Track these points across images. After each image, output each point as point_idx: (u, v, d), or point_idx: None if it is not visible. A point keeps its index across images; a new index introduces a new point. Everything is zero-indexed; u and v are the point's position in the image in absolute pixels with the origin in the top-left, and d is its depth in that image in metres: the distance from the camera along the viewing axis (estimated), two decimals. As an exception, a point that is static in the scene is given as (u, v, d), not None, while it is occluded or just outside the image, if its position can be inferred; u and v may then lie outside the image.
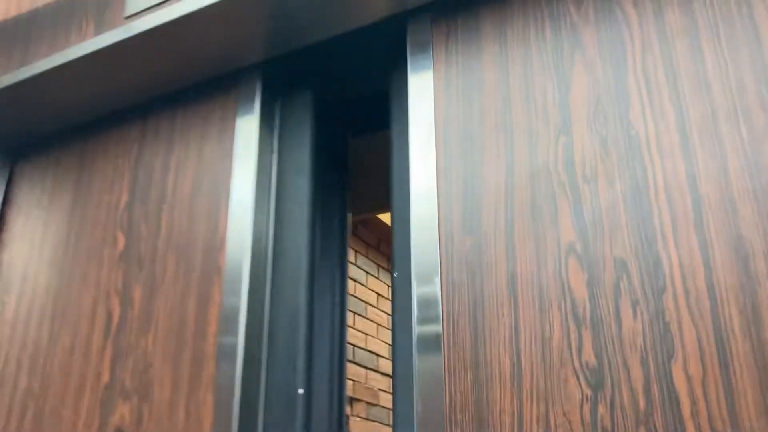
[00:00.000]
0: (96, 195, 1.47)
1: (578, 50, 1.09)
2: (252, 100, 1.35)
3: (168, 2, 1.33)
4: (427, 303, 1.04)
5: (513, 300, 0.99)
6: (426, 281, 1.05)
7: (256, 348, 1.19)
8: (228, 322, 1.18)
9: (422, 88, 1.19)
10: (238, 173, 1.29)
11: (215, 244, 1.26)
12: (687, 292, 0.89)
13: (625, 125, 1.00)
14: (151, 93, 1.47)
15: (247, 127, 1.33)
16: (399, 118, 1.28)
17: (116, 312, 1.31)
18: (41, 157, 1.61)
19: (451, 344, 1.01)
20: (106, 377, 1.26)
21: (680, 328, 0.88)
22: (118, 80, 1.42)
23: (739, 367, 0.83)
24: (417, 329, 1.04)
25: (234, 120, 1.36)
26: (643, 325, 0.90)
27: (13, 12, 1.61)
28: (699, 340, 0.86)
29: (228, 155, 1.33)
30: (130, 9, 1.39)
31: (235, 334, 1.16)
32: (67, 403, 1.28)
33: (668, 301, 0.89)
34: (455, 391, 0.98)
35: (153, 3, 1.35)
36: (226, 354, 1.15)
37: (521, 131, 1.08)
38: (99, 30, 1.43)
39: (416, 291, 1.06)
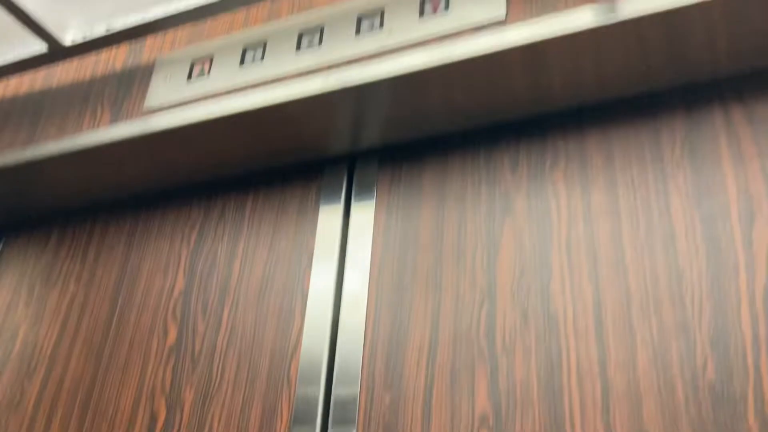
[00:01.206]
0: (146, 277, 1.38)
1: (509, 216, 1.12)
2: (338, 192, 1.28)
3: (196, 102, 1.29)
4: (342, 458, 1.05)
5: (425, 466, 1.00)
6: (344, 435, 1.06)
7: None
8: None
9: (362, 232, 1.22)
10: (318, 272, 1.21)
11: (286, 351, 1.17)
12: (589, 482, 0.91)
13: (545, 300, 1.03)
14: (215, 174, 1.40)
15: (331, 221, 1.26)
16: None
17: (162, 415, 1.21)
18: (81, 228, 1.53)
19: (362, 505, 1.01)
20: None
21: None
22: (178, 160, 1.36)
23: None
24: (330, 484, 1.04)
25: (316, 212, 1.28)
26: None
27: (25, 89, 1.61)
28: None
29: (307, 251, 1.25)
30: (152, 102, 1.34)
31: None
32: None
33: (571, 489, 0.91)
34: None
35: (175, 101, 1.31)
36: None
37: (449, 292, 1.11)
38: (115, 118, 1.39)
39: (334, 443, 1.06)
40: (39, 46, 1.39)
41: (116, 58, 1.43)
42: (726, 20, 0.97)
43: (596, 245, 1.04)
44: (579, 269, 1.03)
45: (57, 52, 1.39)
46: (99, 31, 1.33)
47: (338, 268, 1.22)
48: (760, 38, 0.99)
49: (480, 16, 1.10)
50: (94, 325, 1.38)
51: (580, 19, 1.00)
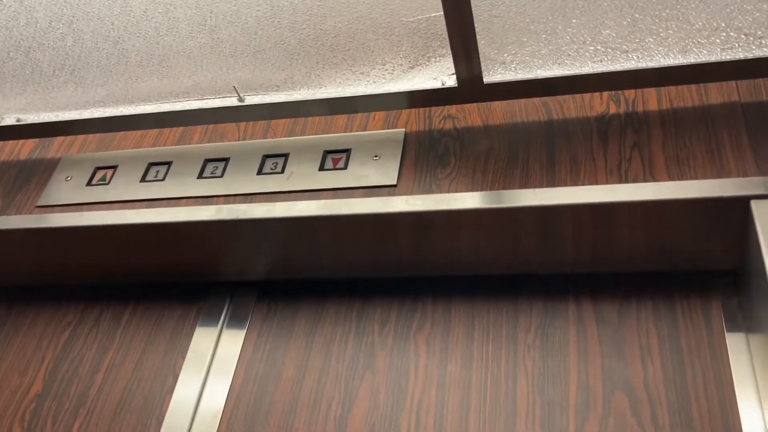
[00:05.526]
0: (3, 374, 1.32)
1: (369, 371, 1.16)
2: (217, 317, 1.29)
3: (91, 207, 1.28)
4: None
5: None
6: None
7: None
8: None
9: (227, 362, 1.23)
10: (179, 397, 1.19)
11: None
12: None
13: (387, 462, 1.05)
14: (98, 280, 1.37)
15: (205, 345, 1.25)
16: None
17: None
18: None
19: None
20: None
21: None
22: (64, 261, 1.34)
23: None
24: None
25: (191, 333, 1.27)
26: None
27: None
28: None
29: (173, 373, 1.23)
30: (48, 199, 1.32)
31: None
32: None
33: None
34: None
35: (71, 203, 1.30)
36: None
37: (298, 437, 1.12)
38: (5, 209, 1.35)
39: None
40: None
41: (21, 150, 1.44)
42: (595, 224, 1.06)
43: (444, 414, 1.08)
44: (424, 436, 1.06)
45: (-37, 133, 1.39)
46: (9, 121, 1.35)
47: (199, 395, 1.21)
48: (617, 246, 1.09)
49: (373, 179, 1.18)
50: (-67, 416, 1.31)
51: (464, 200, 1.08)
